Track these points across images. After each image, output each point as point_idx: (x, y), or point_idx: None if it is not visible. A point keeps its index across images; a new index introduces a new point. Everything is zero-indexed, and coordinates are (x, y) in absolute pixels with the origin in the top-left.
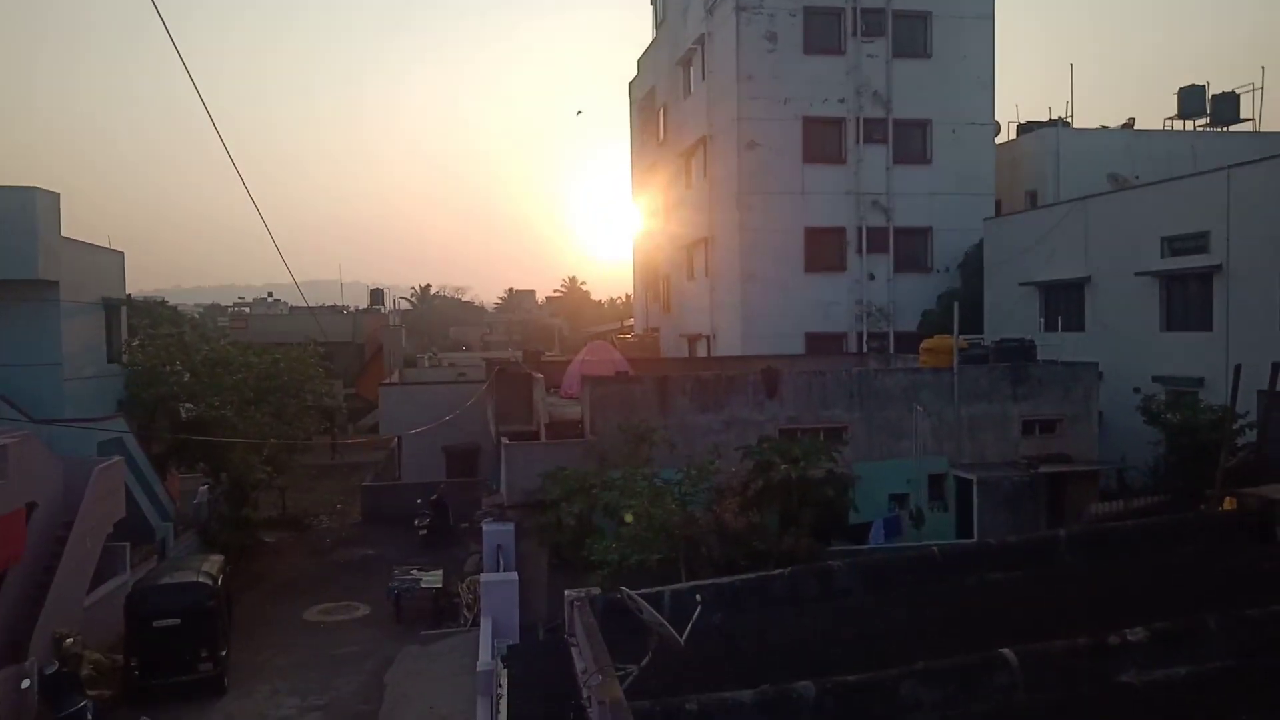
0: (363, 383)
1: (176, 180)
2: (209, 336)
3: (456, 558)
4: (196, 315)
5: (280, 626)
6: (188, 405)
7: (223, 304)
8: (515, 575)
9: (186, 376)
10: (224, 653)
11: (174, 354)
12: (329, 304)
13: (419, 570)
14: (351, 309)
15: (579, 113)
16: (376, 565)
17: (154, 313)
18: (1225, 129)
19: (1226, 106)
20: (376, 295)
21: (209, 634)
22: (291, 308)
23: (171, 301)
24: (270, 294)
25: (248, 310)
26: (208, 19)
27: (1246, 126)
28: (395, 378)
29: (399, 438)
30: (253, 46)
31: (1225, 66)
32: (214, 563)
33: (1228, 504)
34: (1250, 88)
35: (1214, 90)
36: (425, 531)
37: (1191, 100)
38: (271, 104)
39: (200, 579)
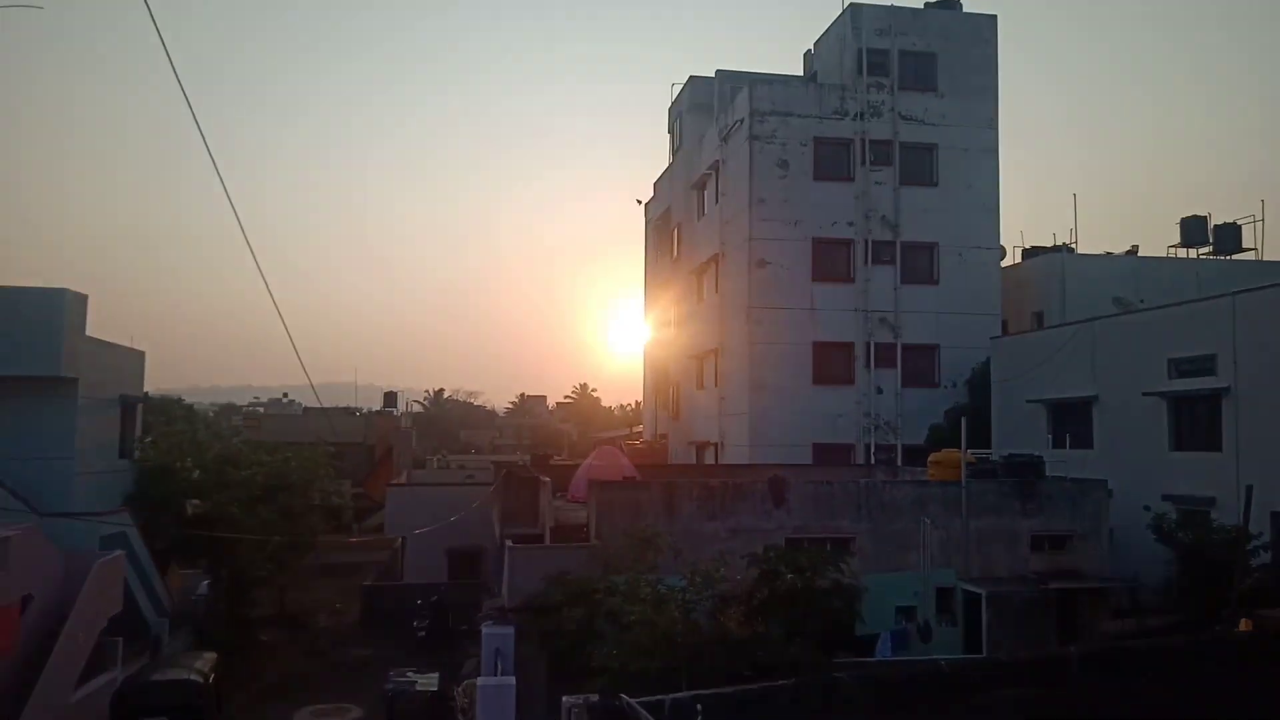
0: (371, 483)
1: (200, 281)
2: (221, 435)
3: (455, 660)
4: (211, 414)
5: None
6: (194, 501)
7: (238, 403)
8: (513, 680)
9: (196, 473)
10: None
11: (185, 451)
12: (343, 405)
13: (415, 673)
14: (364, 410)
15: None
16: (373, 667)
17: (169, 410)
18: (1228, 257)
19: (1229, 236)
20: (390, 397)
21: None
22: (305, 408)
23: (188, 400)
24: (286, 394)
25: (262, 410)
26: (231, 126)
27: (1249, 255)
28: (403, 478)
29: (403, 538)
30: (281, 154)
31: (1223, 198)
32: (206, 660)
33: (1244, 625)
34: (1251, 219)
35: (1215, 221)
36: (424, 633)
37: (1194, 230)
38: (295, 210)
39: (191, 677)
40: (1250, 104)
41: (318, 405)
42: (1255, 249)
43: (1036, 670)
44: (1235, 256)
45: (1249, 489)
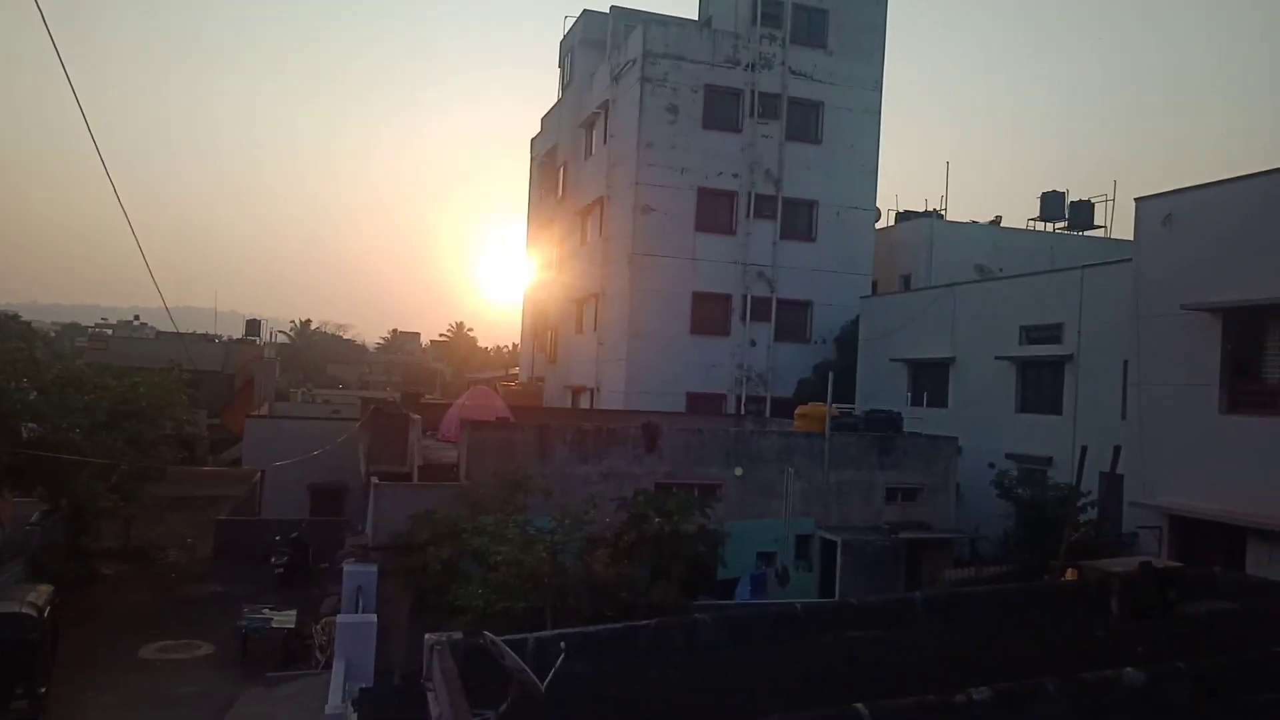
0: (229, 414)
1: (43, 188)
2: (63, 355)
3: (314, 599)
4: (52, 333)
5: (112, 664)
6: (30, 425)
7: (83, 324)
8: (373, 617)
9: (33, 395)
10: (43, 690)
11: (21, 370)
12: (201, 331)
13: (271, 609)
14: (224, 338)
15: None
16: (226, 603)
17: (3, 326)
18: (1081, 233)
19: (1082, 213)
20: (253, 326)
21: (26, 669)
22: (158, 333)
23: (26, 317)
24: (137, 316)
25: (110, 332)
26: (95, 28)
27: (1100, 232)
28: (265, 411)
29: (262, 472)
30: (137, 63)
31: (1080, 176)
32: (41, 593)
33: (1070, 575)
34: (1104, 198)
35: (1072, 198)
36: (282, 570)
37: (1052, 204)
38: (154, 121)
39: (22, 609)
40: (1109, 95)
41: (172, 329)
42: (1105, 226)
43: (883, 613)
44: (1087, 232)
45: (1083, 450)
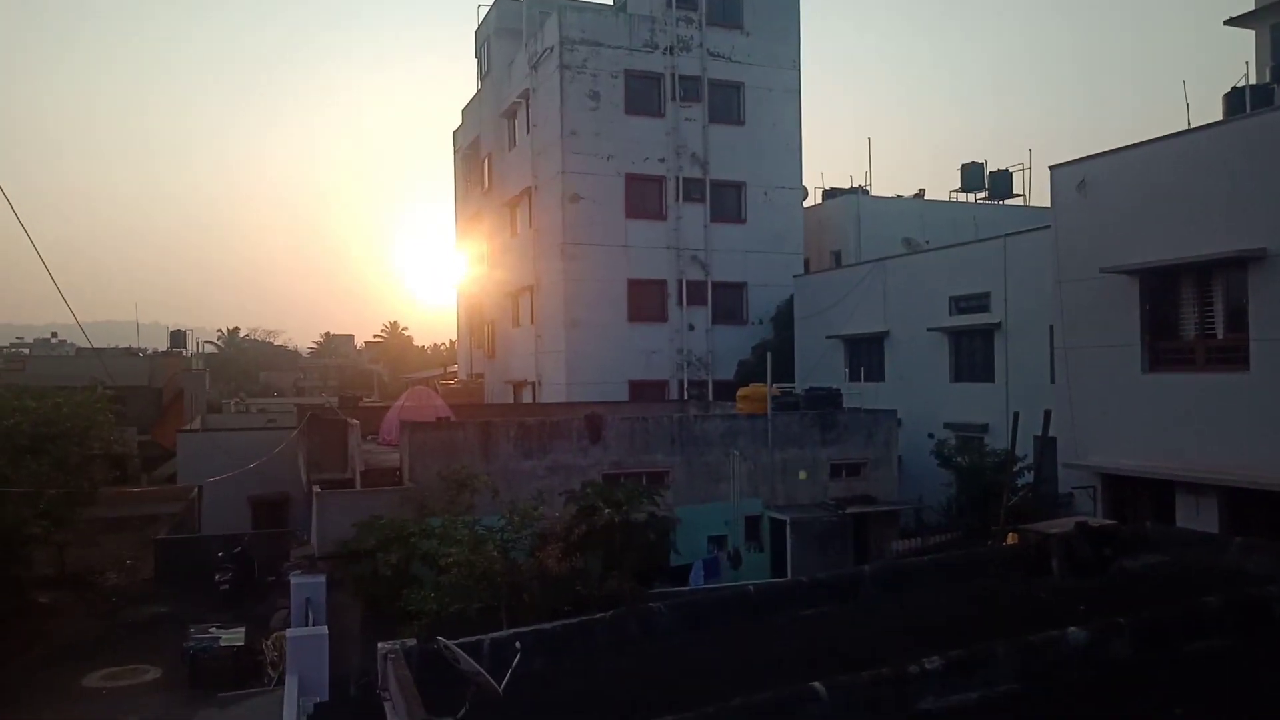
0: (159, 429)
1: None
2: None
3: (262, 614)
4: None
5: (54, 695)
6: None
7: None
8: (325, 629)
9: None
10: None
11: None
12: (123, 346)
13: (218, 628)
14: (149, 351)
15: None
16: (171, 624)
17: None
18: (1001, 202)
19: (1002, 183)
20: (177, 337)
21: None
22: (79, 350)
23: None
24: (55, 334)
25: (27, 351)
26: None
27: (1019, 200)
28: (197, 424)
29: (199, 488)
30: (50, 58)
31: (999, 147)
32: None
33: (1010, 539)
34: (1021, 167)
35: (991, 168)
36: (227, 586)
37: (972, 176)
38: (64, 121)
39: None
40: (1025, 65)
41: (90, 346)
42: (1023, 195)
43: (834, 589)
44: (1007, 201)
45: (1015, 416)
